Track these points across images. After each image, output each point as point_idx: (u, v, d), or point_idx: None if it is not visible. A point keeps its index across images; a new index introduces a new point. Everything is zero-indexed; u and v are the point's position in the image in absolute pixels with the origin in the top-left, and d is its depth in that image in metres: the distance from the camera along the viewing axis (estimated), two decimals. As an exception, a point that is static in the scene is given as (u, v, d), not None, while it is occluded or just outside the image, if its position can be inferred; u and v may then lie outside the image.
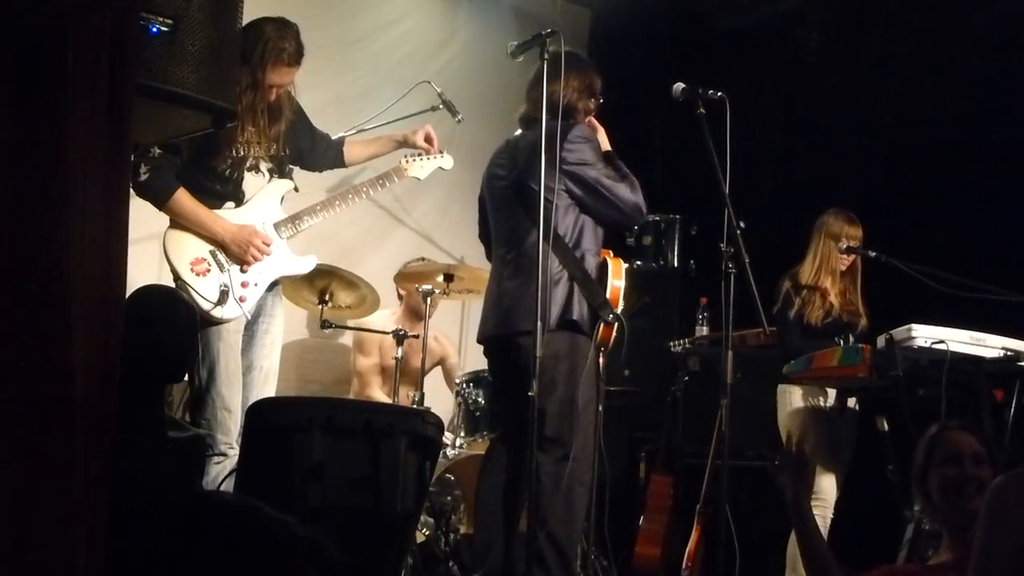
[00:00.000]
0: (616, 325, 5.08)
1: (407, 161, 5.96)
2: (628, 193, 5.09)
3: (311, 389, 7.28)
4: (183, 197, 5.12)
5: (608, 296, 5.04)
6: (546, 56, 4.87)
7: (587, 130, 5.16)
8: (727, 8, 8.65)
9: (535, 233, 4.89)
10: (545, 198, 4.86)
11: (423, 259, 7.14)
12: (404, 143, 5.98)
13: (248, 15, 3.77)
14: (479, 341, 5.34)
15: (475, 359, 7.63)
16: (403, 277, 6.68)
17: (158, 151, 4.94)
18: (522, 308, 4.92)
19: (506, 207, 5.21)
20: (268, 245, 5.32)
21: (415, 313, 7.02)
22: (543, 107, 4.85)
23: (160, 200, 5.09)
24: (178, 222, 5.20)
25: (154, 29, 3.08)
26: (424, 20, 8.09)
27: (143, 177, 4.94)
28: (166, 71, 3.12)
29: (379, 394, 6.91)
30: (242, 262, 5.25)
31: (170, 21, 3.11)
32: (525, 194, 5.07)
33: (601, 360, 5.28)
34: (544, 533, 4.78)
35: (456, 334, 7.98)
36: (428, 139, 5.92)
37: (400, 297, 7.09)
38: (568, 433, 4.91)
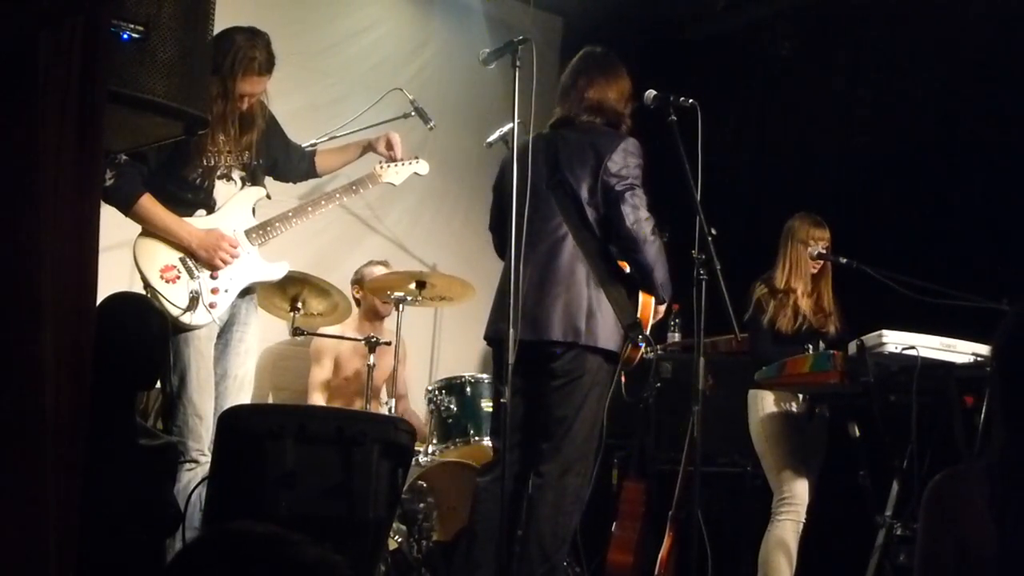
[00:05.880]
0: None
1: (381, 167, 5.94)
2: (640, 219, 4.83)
3: (282, 396, 7.25)
4: (148, 203, 5.11)
5: (640, 315, 4.96)
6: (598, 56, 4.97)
7: (639, 147, 4.98)
8: (699, 16, 8.69)
9: (571, 240, 4.89)
10: (588, 204, 4.89)
11: (380, 261, 7.11)
12: (369, 149, 5.97)
13: (220, 21, 3.76)
14: (490, 338, 5.06)
15: (447, 367, 7.65)
16: (374, 283, 6.64)
17: (124, 158, 4.92)
18: (562, 318, 4.82)
19: (541, 206, 4.89)
20: (235, 247, 5.31)
21: (375, 315, 7.00)
22: (596, 109, 4.94)
23: (125, 205, 5.07)
24: (149, 230, 5.19)
25: (125, 36, 3.08)
26: (396, 27, 8.09)
27: (108, 182, 4.90)
28: (137, 78, 3.12)
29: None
30: (211, 267, 5.24)
31: (141, 28, 3.11)
32: (565, 196, 4.95)
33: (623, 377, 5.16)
34: (535, 544, 4.76)
35: (427, 342, 7.97)
36: (388, 145, 5.90)
37: (357, 302, 7.04)
38: (585, 454, 4.88)
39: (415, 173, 6.05)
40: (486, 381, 6.45)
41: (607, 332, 4.86)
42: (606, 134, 5.00)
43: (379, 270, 6.90)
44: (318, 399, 6.84)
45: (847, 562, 5.90)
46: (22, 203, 2.41)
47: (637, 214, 4.85)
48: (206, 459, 5.04)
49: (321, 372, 6.91)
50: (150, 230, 5.19)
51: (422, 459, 6.17)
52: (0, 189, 2.40)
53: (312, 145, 6.08)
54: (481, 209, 7.69)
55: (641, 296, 5.00)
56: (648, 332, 4.99)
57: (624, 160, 4.89)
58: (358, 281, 6.99)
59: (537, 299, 4.83)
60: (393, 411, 6.53)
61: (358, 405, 6.60)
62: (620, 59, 5.23)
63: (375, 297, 6.73)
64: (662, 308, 5.15)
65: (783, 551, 5.85)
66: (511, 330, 4.59)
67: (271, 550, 1.78)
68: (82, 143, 2.58)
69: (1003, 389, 2.60)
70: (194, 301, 5.15)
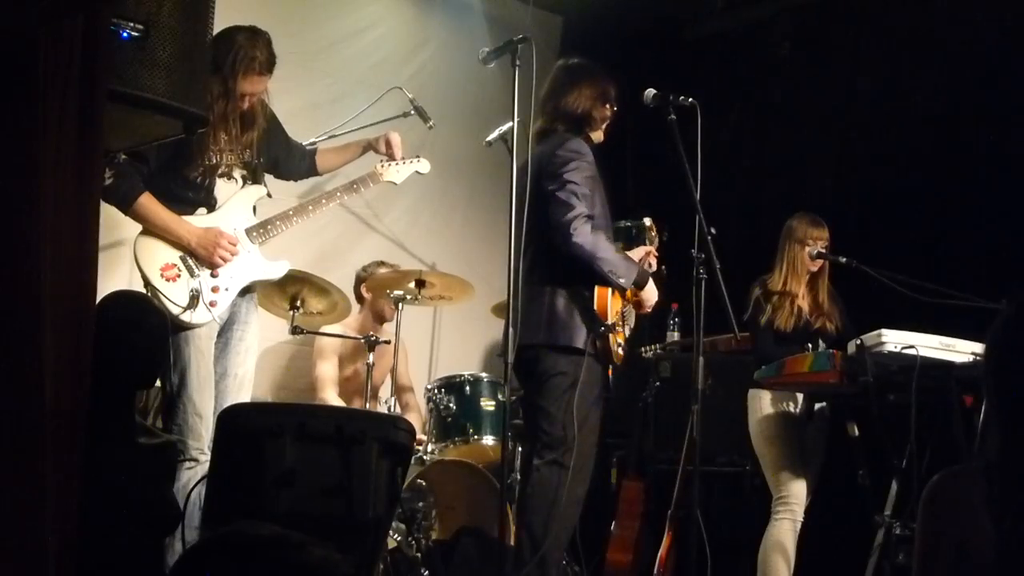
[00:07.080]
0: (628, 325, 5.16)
1: (383, 166, 5.94)
2: (564, 214, 4.93)
3: (282, 396, 7.24)
4: (147, 201, 5.11)
5: (596, 306, 5.03)
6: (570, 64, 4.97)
7: (584, 146, 5.10)
8: (699, 15, 8.68)
9: (533, 247, 4.97)
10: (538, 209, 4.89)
11: (382, 262, 7.10)
12: (369, 148, 5.97)
13: (220, 20, 3.76)
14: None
15: (446, 366, 7.63)
16: (373, 282, 6.64)
17: (124, 158, 4.92)
18: (528, 322, 4.96)
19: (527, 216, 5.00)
20: (234, 245, 5.30)
21: (380, 318, 6.98)
22: (560, 117, 5.00)
23: (124, 204, 5.08)
24: (149, 229, 5.19)
25: (125, 35, 3.08)
26: (396, 26, 8.07)
27: (107, 182, 4.89)
28: (137, 77, 3.12)
29: (335, 401, 6.83)
30: (211, 265, 5.23)
31: (141, 27, 3.11)
32: (532, 208, 4.98)
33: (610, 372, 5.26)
34: (526, 533, 4.82)
35: (427, 341, 7.96)
36: (389, 145, 5.91)
37: (360, 300, 7.04)
38: (572, 449, 4.91)
39: (416, 172, 6.05)
40: (486, 380, 6.47)
41: (568, 330, 4.99)
42: (555, 139, 5.09)
43: (386, 272, 6.89)
44: (332, 395, 6.82)
45: (846, 562, 5.89)
46: (22, 203, 2.41)
47: (560, 210, 4.93)
48: (206, 458, 5.04)
49: (330, 368, 6.89)
50: (150, 229, 5.19)
51: (422, 458, 6.17)
52: (0, 188, 2.40)
53: (312, 143, 6.08)
54: (480, 208, 7.74)
55: (597, 289, 5.06)
56: (611, 322, 5.06)
57: (559, 160, 4.98)
58: (367, 280, 6.93)
59: (521, 308, 4.94)
60: (393, 408, 6.52)
61: (357, 404, 6.60)
62: (615, 60, 5.30)
63: (381, 300, 6.73)
64: (650, 297, 5.23)
65: (781, 551, 5.84)
66: (510, 330, 4.61)
67: (273, 551, 1.79)
68: (82, 143, 2.58)
69: (997, 388, 2.58)
70: (194, 299, 5.15)
